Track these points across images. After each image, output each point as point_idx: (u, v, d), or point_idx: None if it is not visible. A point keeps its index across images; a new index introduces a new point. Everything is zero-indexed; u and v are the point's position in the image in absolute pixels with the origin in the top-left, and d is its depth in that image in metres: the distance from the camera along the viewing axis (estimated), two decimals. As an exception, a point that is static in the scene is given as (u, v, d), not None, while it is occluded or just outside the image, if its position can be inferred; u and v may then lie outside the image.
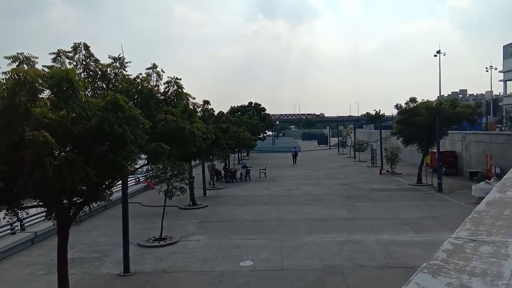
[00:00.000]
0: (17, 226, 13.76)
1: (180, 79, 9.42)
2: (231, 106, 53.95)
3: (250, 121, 42.02)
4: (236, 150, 34.88)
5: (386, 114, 44.77)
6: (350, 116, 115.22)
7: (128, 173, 7.30)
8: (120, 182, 10.26)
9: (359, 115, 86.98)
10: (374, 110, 44.93)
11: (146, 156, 8.31)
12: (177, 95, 9.40)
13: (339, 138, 55.79)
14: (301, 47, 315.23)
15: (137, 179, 24.80)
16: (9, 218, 7.25)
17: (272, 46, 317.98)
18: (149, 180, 17.82)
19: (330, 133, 73.89)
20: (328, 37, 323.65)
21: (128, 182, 13.60)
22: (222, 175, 28.34)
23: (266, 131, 63.51)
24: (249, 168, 29.33)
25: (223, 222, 16.37)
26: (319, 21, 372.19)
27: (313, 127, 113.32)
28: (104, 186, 7.83)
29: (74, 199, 7.48)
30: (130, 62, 8.20)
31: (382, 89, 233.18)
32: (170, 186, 13.70)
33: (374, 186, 23.93)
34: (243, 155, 46.80)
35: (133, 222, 12.05)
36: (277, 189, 24.04)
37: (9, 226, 13.54)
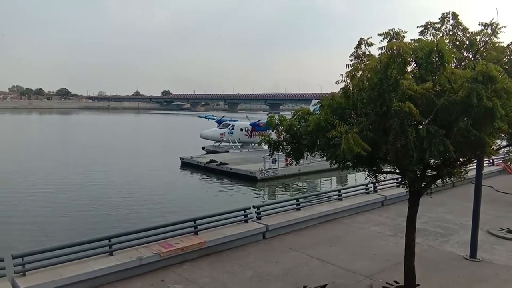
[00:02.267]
0: (371, 187, 15.58)
1: None
2: None
3: None
4: None
5: None
6: None
7: (491, 152, 6.57)
8: (474, 161, 9.50)
9: None
10: None
11: (507, 136, 7.24)
12: None
13: None
14: None
15: (491, 161, 22.29)
16: (370, 179, 8.19)
17: None
18: (507, 163, 15.60)
19: None
20: None
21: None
22: None
23: None
24: None
25: None
26: None
27: None
28: (459, 162, 7.46)
29: (427, 171, 7.55)
30: (504, 27, 7.17)
31: None
32: (537, 174, 11.45)
33: None
34: None
35: (484, 206, 10.95)
36: None
37: (364, 186, 15.59)
